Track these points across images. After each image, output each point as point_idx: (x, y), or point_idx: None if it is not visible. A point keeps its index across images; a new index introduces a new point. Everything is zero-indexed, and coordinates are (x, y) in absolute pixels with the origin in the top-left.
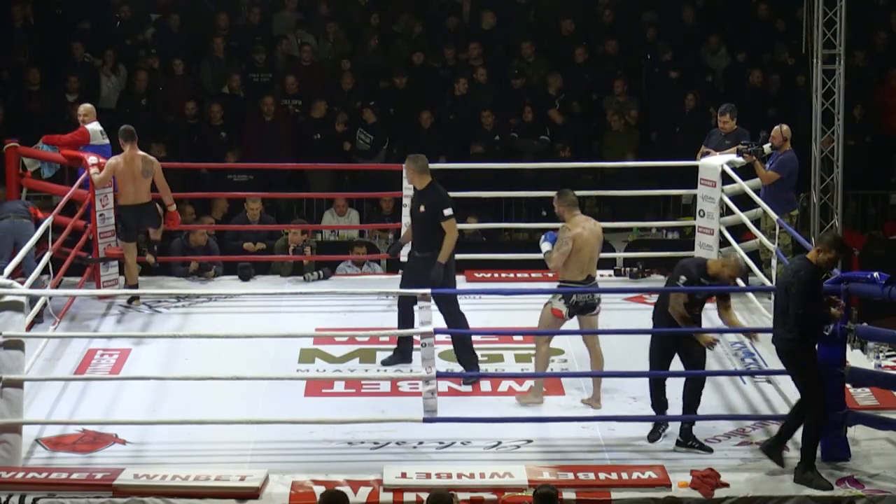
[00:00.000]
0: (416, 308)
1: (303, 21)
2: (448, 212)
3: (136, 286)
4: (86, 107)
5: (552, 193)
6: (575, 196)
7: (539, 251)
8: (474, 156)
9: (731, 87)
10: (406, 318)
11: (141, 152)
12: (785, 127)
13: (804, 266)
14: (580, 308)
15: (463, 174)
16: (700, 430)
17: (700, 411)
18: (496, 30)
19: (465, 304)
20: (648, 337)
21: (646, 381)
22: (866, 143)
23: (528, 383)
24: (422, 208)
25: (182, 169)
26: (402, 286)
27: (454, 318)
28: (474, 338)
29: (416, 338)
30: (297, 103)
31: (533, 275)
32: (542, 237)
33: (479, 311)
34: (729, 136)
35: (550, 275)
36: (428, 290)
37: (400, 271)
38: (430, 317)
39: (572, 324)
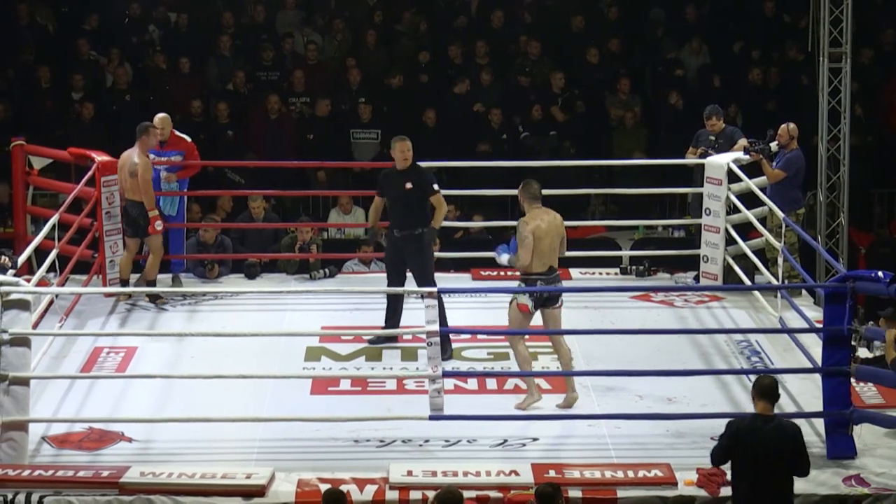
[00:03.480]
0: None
1: (308, 19)
2: (436, 186)
3: (153, 283)
4: (164, 119)
5: (559, 192)
6: (538, 189)
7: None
8: (480, 154)
9: (704, 86)
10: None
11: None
12: (792, 125)
13: None
14: (543, 300)
15: (468, 172)
16: (706, 428)
17: (706, 409)
18: (502, 28)
19: (471, 302)
20: (654, 335)
21: (651, 379)
22: (868, 141)
23: (535, 381)
24: (408, 185)
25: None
26: (389, 268)
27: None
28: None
29: (422, 335)
30: (305, 100)
31: None
32: (495, 252)
33: (486, 310)
34: (720, 135)
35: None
36: (434, 289)
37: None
38: (435, 315)
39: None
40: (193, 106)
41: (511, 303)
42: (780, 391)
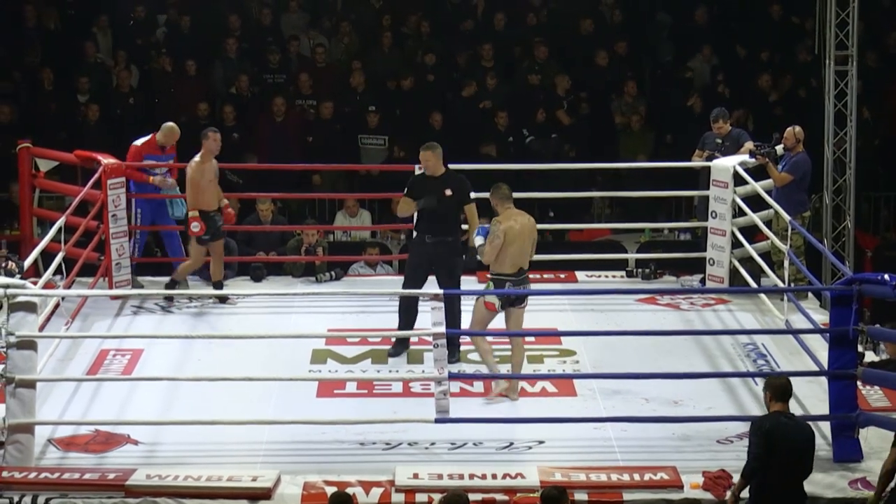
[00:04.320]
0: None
1: (314, 22)
2: (473, 194)
3: (220, 283)
4: (172, 129)
5: (562, 195)
6: (509, 190)
7: (540, 252)
8: (485, 157)
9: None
10: (409, 309)
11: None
12: (798, 128)
13: None
14: (510, 300)
15: (473, 175)
16: (712, 431)
17: (712, 412)
18: (508, 30)
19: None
20: (660, 338)
21: (657, 382)
22: (875, 144)
23: (541, 384)
24: (448, 192)
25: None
26: (411, 273)
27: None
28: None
29: (427, 338)
30: (311, 103)
31: (545, 276)
32: (475, 232)
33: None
34: (726, 138)
35: (562, 276)
36: (440, 291)
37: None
38: (441, 318)
39: (584, 324)
40: (200, 108)
41: (477, 300)
42: None
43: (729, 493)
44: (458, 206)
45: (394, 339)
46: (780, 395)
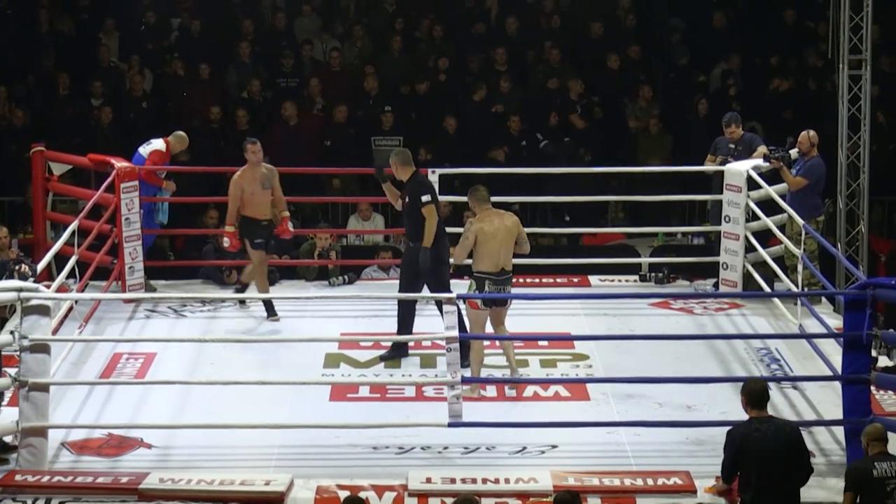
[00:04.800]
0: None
1: (326, 26)
2: (426, 198)
3: (244, 287)
4: (184, 136)
5: (576, 199)
6: (486, 192)
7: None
8: (495, 161)
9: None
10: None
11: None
12: (812, 132)
13: None
14: (492, 299)
15: (486, 179)
16: (725, 435)
17: (724, 417)
18: (521, 34)
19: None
20: (674, 342)
21: (670, 386)
22: (890, 149)
23: (554, 388)
24: (406, 198)
25: (206, 173)
26: (401, 278)
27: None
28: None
29: (441, 342)
30: (322, 104)
31: (558, 280)
32: None
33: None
34: (739, 142)
35: (576, 280)
36: (453, 295)
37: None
38: (454, 321)
39: (597, 328)
40: (212, 112)
41: (465, 303)
42: (801, 399)
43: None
44: (416, 208)
45: (391, 344)
46: (755, 400)
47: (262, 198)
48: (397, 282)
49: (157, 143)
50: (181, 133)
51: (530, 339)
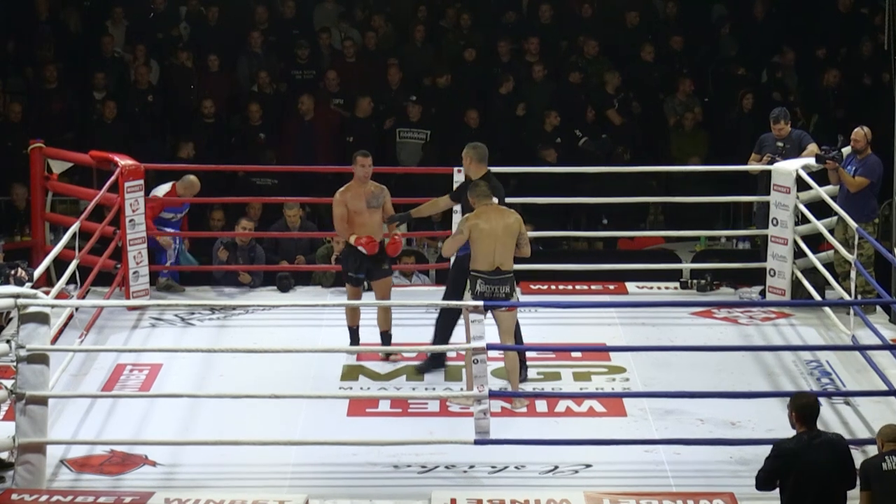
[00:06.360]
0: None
1: (346, 14)
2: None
3: (388, 335)
4: (193, 182)
5: (613, 200)
6: (486, 188)
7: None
8: (548, 161)
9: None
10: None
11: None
12: (867, 129)
13: None
14: (486, 300)
15: (519, 179)
16: None
17: (772, 435)
18: (553, 24)
19: (520, 317)
20: (717, 354)
21: (713, 401)
22: None
23: (588, 403)
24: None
25: (213, 172)
26: (449, 283)
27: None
28: (531, 354)
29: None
30: (339, 102)
31: (593, 287)
32: None
33: (536, 326)
34: (787, 140)
35: (612, 287)
36: (481, 303)
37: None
38: (482, 331)
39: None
40: (206, 107)
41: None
42: (854, 415)
43: None
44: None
45: (428, 354)
46: (805, 415)
47: (368, 219)
48: (420, 288)
49: (164, 188)
50: (189, 178)
51: (563, 350)
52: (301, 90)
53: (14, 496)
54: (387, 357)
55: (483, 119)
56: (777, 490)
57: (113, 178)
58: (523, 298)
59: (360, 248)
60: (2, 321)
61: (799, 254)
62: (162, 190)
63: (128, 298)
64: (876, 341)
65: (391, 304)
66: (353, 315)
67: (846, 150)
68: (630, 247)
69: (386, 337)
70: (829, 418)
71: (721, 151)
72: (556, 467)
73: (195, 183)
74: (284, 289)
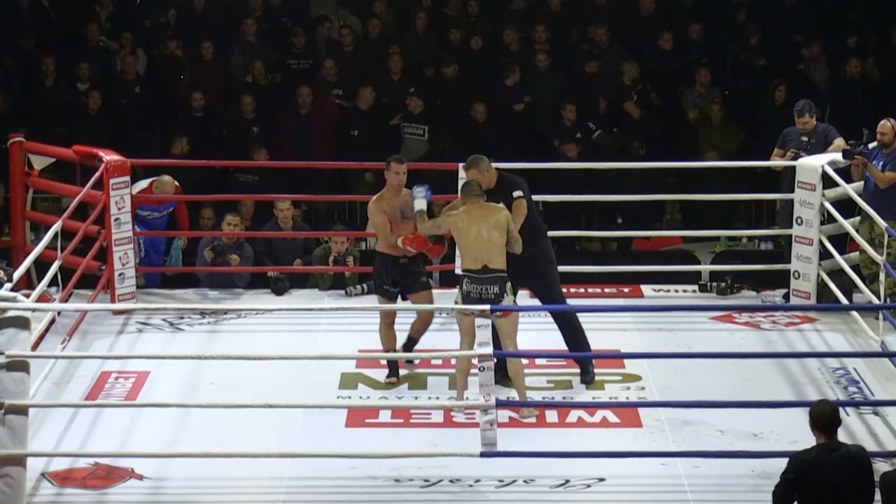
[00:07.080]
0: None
1: (344, 1)
2: (518, 193)
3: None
4: (165, 182)
5: (628, 198)
6: (477, 187)
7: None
8: (569, 156)
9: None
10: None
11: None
12: (894, 121)
13: None
14: (476, 302)
15: (528, 175)
16: None
17: (796, 447)
18: (563, 12)
19: (530, 322)
20: (738, 361)
21: (733, 412)
22: None
23: (601, 413)
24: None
25: (205, 168)
26: (537, 290)
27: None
28: (541, 362)
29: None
30: (337, 92)
31: (606, 290)
32: (421, 190)
33: (546, 331)
34: (812, 134)
35: (626, 290)
36: (487, 307)
37: (456, 286)
38: (488, 336)
39: (651, 345)
40: (195, 99)
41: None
42: (883, 426)
43: None
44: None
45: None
46: (824, 424)
47: (402, 229)
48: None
49: (141, 185)
50: (163, 178)
51: (575, 356)
52: (297, 80)
53: None
54: (410, 363)
55: (490, 112)
56: None
57: (97, 174)
58: (533, 302)
59: (408, 248)
60: None
61: (825, 255)
62: (138, 187)
63: (113, 302)
64: None
65: (395, 307)
66: (387, 336)
67: (872, 145)
68: (646, 247)
69: (410, 342)
70: (857, 429)
71: (752, 147)
72: (568, 481)
73: (167, 182)
74: (279, 291)
